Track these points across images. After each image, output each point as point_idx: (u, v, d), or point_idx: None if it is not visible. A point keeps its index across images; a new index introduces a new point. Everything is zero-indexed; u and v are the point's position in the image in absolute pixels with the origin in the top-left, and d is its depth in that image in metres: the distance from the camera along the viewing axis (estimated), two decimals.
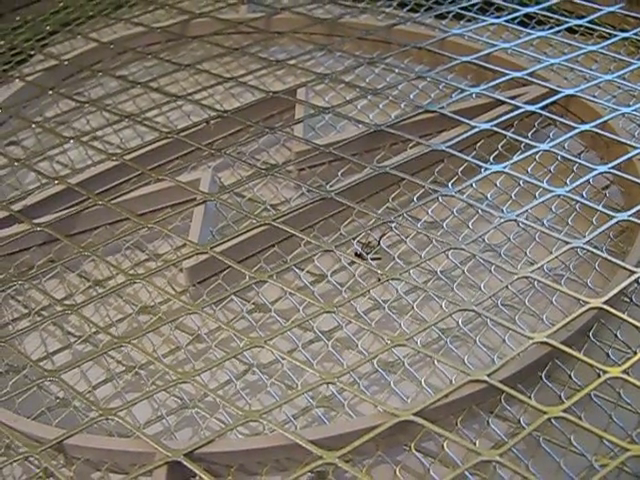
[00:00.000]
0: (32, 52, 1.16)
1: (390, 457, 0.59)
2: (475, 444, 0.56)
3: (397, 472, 0.58)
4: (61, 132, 0.98)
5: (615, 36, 0.99)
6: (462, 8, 1.09)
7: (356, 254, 0.76)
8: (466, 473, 0.54)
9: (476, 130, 0.84)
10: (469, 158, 0.80)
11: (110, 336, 0.69)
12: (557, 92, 0.89)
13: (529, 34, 1.01)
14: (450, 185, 0.79)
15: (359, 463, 0.59)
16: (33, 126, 1.00)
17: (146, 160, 0.89)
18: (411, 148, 0.84)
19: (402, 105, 0.92)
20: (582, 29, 1.03)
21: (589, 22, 1.03)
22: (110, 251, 0.81)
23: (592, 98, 0.88)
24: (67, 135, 0.96)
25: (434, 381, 0.65)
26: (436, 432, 0.57)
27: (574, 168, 0.81)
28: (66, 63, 1.09)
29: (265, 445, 0.59)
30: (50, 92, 1.05)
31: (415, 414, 0.58)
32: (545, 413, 0.56)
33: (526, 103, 0.87)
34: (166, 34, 1.13)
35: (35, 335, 0.75)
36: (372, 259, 0.76)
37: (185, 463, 0.57)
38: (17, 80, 1.08)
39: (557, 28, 1.02)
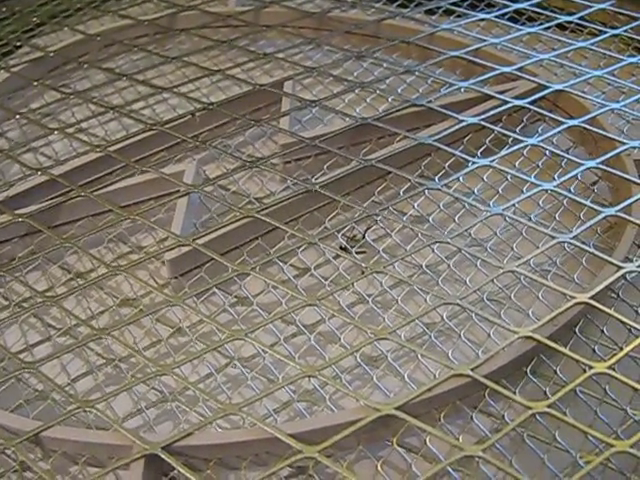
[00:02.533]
0: (18, 44, 1.15)
1: (372, 452, 0.59)
2: (458, 439, 0.56)
3: (379, 467, 0.57)
4: (46, 124, 0.97)
5: (605, 33, 0.98)
6: (452, 4, 1.08)
7: (341, 247, 0.75)
8: (449, 469, 0.54)
9: (464, 124, 0.83)
10: (456, 152, 0.80)
11: (90, 328, 0.68)
12: (546, 87, 0.88)
13: (519, 30, 1.00)
14: (437, 179, 0.78)
15: (341, 458, 0.58)
16: (18, 117, 0.99)
17: (130, 152, 0.88)
18: (398, 142, 0.83)
19: (390, 99, 0.92)
20: (572, 26, 1.03)
21: (579, 19, 1.03)
22: (93, 243, 0.80)
23: (581, 94, 0.87)
24: (52, 127, 0.95)
25: (418, 376, 0.64)
26: (419, 427, 0.56)
27: (562, 163, 0.80)
28: (52, 55, 1.08)
29: (244, 438, 0.58)
30: (35, 83, 1.04)
31: (397, 408, 0.57)
32: (529, 408, 0.55)
33: (515, 98, 0.87)
34: (154, 27, 1.12)
35: (15, 327, 0.74)
36: (357, 253, 0.75)
37: (163, 456, 0.56)
38: (2, 71, 1.07)
39: (547, 24, 1.02)
